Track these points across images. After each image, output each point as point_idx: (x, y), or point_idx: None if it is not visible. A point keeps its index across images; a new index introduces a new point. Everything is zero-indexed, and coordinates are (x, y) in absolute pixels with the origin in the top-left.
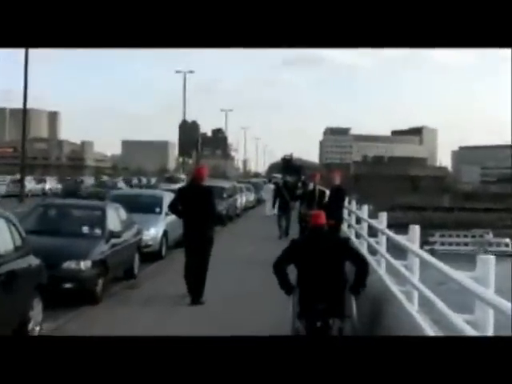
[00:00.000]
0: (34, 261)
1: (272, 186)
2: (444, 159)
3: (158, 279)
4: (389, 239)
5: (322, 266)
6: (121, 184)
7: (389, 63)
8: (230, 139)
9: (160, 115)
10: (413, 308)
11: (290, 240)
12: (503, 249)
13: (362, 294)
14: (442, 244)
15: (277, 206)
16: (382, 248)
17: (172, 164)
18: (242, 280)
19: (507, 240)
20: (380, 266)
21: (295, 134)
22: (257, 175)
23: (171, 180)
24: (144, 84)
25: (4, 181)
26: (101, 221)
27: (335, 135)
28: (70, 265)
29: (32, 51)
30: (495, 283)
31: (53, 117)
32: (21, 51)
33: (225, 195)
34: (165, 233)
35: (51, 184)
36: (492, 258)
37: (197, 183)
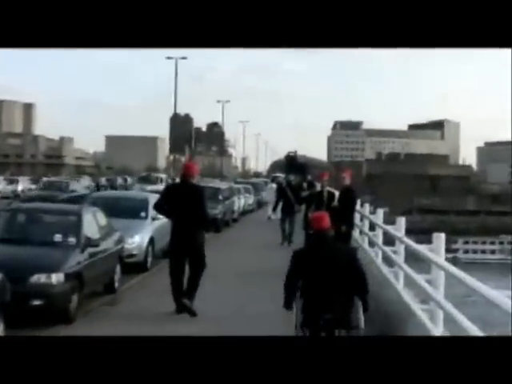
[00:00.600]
0: None
1: (275, 187)
2: (468, 157)
3: (142, 294)
4: (407, 248)
5: (327, 274)
6: (77, 185)
7: (406, 49)
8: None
9: (149, 107)
10: (437, 330)
11: (292, 251)
12: None
13: (377, 310)
14: (466, 252)
15: (280, 208)
16: (400, 258)
17: (162, 162)
18: (238, 297)
19: None
20: (398, 280)
21: (300, 128)
22: (257, 175)
23: (147, 180)
24: (131, 72)
25: None
26: (76, 227)
27: (345, 130)
28: (39, 278)
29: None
30: None
31: (28, 109)
32: None
33: (220, 197)
34: (151, 240)
35: (24, 185)
36: None
37: (186, 181)
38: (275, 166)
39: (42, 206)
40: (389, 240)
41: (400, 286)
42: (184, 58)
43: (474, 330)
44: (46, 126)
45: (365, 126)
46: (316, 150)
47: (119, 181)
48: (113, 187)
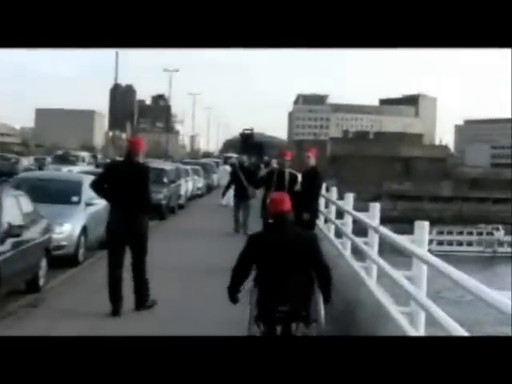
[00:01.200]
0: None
1: (228, 169)
2: (445, 136)
3: (72, 293)
4: (382, 239)
5: (285, 263)
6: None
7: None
8: (175, 109)
9: (85, 77)
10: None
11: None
12: None
13: (346, 313)
14: (440, 243)
15: (232, 193)
16: (374, 251)
17: (99, 139)
18: (187, 299)
19: None
20: (371, 276)
21: (258, 103)
22: (208, 155)
23: (63, 159)
24: None
25: None
26: None
27: (308, 104)
28: None
29: None
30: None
31: None
32: None
33: (165, 180)
34: (84, 230)
35: None
36: None
37: (130, 159)
38: (228, 146)
39: None
40: (358, 230)
41: (373, 282)
42: None
43: (458, 328)
44: None
45: (330, 101)
46: (275, 127)
47: (49, 159)
48: (41, 168)
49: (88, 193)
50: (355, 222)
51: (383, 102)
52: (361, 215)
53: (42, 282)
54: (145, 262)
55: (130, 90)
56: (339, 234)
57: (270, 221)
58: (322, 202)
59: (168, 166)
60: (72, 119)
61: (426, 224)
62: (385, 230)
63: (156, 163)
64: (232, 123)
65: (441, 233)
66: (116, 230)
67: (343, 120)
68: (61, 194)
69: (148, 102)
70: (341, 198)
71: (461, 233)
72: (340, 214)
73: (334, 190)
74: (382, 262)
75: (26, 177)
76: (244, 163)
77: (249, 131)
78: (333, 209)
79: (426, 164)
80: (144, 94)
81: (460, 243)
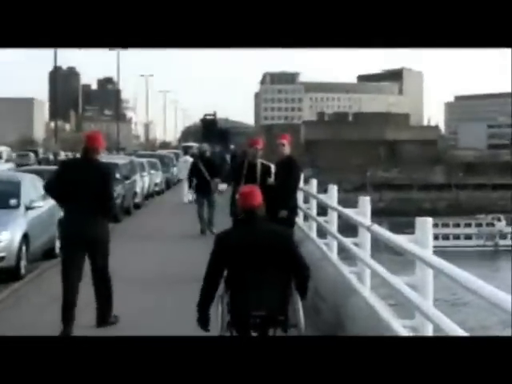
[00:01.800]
0: None
1: (190, 160)
2: (434, 115)
3: (12, 313)
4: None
5: (257, 262)
6: None
7: None
8: (125, 93)
9: (20, 61)
10: None
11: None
12: None
13: (340, 328)
14: (435, 238)
15: (194, 189)
16: (366, 253)
17: (40, 131)
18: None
19: None
20: (364, 283)
21: (220, 84)
22: (165, 145)
23: None
24: None
25: None
26: None
27: (277, 84)
28: None
29: None
30: None
31: None
32: None
33: (118, 176)
34: (25, 238)
35: None
36: None
37: (88, 157)
38: (188, 134)
39: None
40: (344, 227)
41: (367, 291)
42: None
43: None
44: None
45: (302, 79)
46: (240, 111)
47: None
48: None
49: (28, 195)
50: (339, 217)
51: (362, 78)
52: (348, 211)
53: None
54: (107, 272)
55: (72, 74)
56: (322, 233)
57: (240, 217)
58: (300, 196)
59: (120, 159)
60: (7, 108)
61: (429, 221)
62: (379, 229)
63: (106, 157)
64: (191, 108)
65: (435, 225)
66: (74, 236)
67: (317, 101)
68: None
69: (94, 86)
70: (321, 190)
71: (457, 225)
72: (322, 209)
73: (314, 181)
74: (377, 266)
75: None
76: (205, 153)
77: (211, 117)
78: (313, 203)
79: (414, 148)
80: (89, 78)
81: (457, 237)
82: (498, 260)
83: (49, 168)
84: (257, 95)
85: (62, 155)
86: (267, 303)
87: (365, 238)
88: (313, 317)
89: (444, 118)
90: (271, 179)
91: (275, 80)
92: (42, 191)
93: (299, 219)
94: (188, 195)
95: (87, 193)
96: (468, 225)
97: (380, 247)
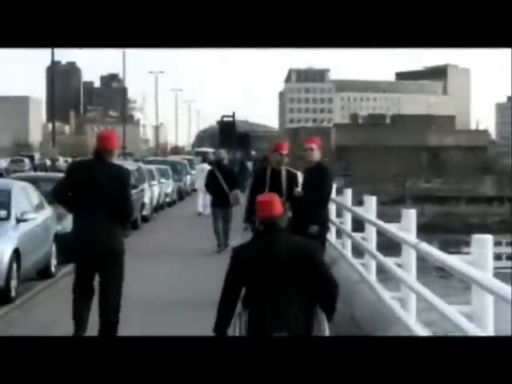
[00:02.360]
0: None
1: (207, 168)
2: (483, 118)
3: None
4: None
5: (279, 279)
6: None
7: None
8: (132, 92)
9: (17, 55)
10: None
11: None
12: None
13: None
14: None
15: (209, 199)
16: (412, 276)
17: (36, 133)
18: None
19: None
20: (408, 309)
21: (240, 83)
22: (177, 150)
23: None
24: None
25: None
26: None
27: (305, 82)
28: None
29: None
30: None
31: None
32: None
33: None
34: (16, 254)
35: None
36: None
37: (102, 159)
38: (203, 138)
39: None
40: (383, 244)
41: (412, 320)
42: None
43: None
44: None
45: (332, 76)
46: (263, 112)
47: None
48: None
49: (20, 205)
50: (378, 233)
51: (401, 76)
52: (390, 227)
53: None
54: (120, 295)
55: (72, 70)
56: (358, 251)
57: (260, 227)
58: (332, 208)
59: (127, 166)
60: (1, 108)
61: (489, 240)
62: (428, 248)
63: None
64: (207, 109)
65: None
66: (85, 247)
67: (350, 101)
68: None
69: (97, 84)
70: (354, 201)
71: (511, 244)
72: (358, 223)
73: (349, 192)
74: (425, 291)
75: None
76: (222, 160)
77: (229, 118)
78: (348, 217)
79: (460, 155)
80: (91, 74)
81: (510, 257)
82: None
83: (45, 175)
84: (281, 95)
85: (61, 161)
86: (289, 323)
87: (409, 257)
88: None
89: (495, 121)
90: (298, 189)
91: (302, 77)
92: (36, 201)
93: (331, 235)
94: (202, 205)
95: (101, 198)
96: None
97: (428, 269)
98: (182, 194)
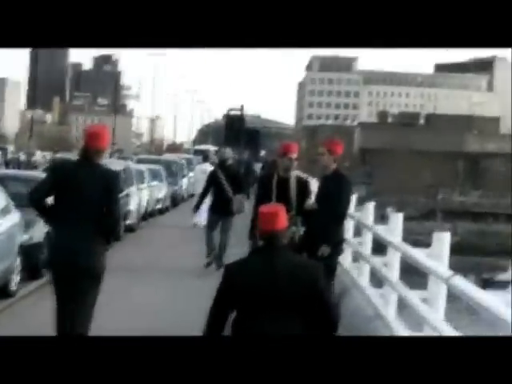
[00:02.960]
0: None
1: (208, 169)
2: None
3: None
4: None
5: (272, 303)
6: None
7: None
8: (127, 77)
9: None
10: None
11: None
12: None
13: None
14: None
15: (207, 205)
16: (438, 314)
17: (12, 122)
18: None
19: None
20: None
21: (252, 69)
22: (175, 148)
23: None
24: None
25: None
26: None
27: (327, 71)
28: None
29: None
30: None
31: None
32: None
33: None
34: None
35: None
36: None
37: (90, 159)
38: (206, 134)
39: None
40: (408, 271)
41: None
42: None
43: None
44: None
45: (360, 67)
46: (278, 106)
47: None
48: None
49: None
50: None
51: (440, 68)
52: (417, 253)
53: None
54: (89, 322)
55: (59, 51)
56: (377, 278)
57: (260, 243)
58: (349, 225)
59: (112, 164)
60: None
61: None
62: (462, 284)
63: None
64: (213, 101)
65: None
66: (65, 262)
67: (379, 96)
68: None
69: (87, 66)
70: (377, 215)
71: None
72: (378, 244)
73: (370, 207)
74: (450, 330)
75: None
76: (227, 160)
77: (237, 112)
78: (368, 238)
79: (503, 164)
80: (81, 55)
81: None
82: None
83: (14, 173)
84: (300, 86)
85: (38, 156)
86: None
87: (438, 292)
88: None
89: None
90: (311, 201)
91: (325, 66)
92: (0, 204)
93: (346, 258)
94: (199, 215)
95: (85, 206)
96: None
97: (461, 306)
98: (176, 200)
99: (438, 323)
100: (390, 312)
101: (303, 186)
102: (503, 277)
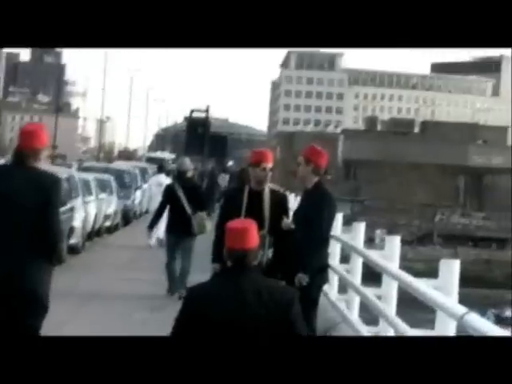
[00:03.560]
0: None
1: (165, 181)
2: None
3: None
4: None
5: (244, 333)
6: None
7: None
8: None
9: None
10: None
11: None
12: None
13: None
14: None
15: (164, 224)
16: None
17: None
18: None
19: None
20: None
21: (219, 65)
22: (128, 155)
23: None
24: None
25: None
26: None
27: (308, 69)
28: None
29: None
30: None
31: None
32: None
33: None
34: None
35: None
36: None
37: (25, 163)
38: (164, 140)
39: None
40: (405, 302)
41: None
42: None
43: None
44: None
45: (346, 65)
46: (248, 109)
47: None
48: None
49: None
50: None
51: (439, 68)
52: (422, 285)
53: None
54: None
55: None
56: (368, 313)
57: (228, 264)
58: (335, 248)
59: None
60: None
61: None
62: (478, 321)
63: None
64: (173, 101)
65: None
66: None
67: (367, 99)
68: None
69: (25, 57)
70: (366, 240)
71: None
72: (368, 269)
73: (361, 227)
74: None
75: None
76: (187, 172)
77: (201, 114)
78: (358, 264)
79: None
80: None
81: None
82: None
83: None
84: (274, 85)
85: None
86: None
87: (447, 328)
88: None
89: None
90: (288, 220)
91: (304, 63)
92: None
93: (331, 289)
94: (155, 235)
95: (20, 219)
96: None
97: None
98: (128, 217)
99: None
100: None
101: (279, 201)
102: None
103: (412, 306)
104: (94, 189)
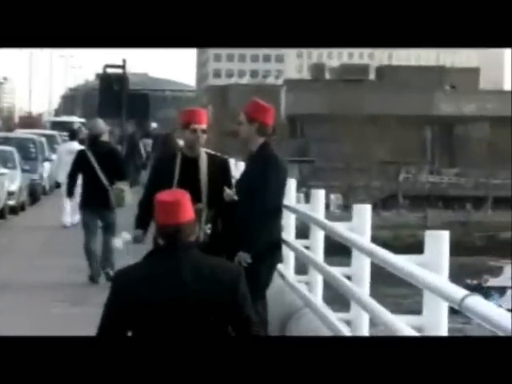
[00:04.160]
0: None
1: (76, 148)
2: None
3: None
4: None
5: (181, 319)
6: None
7: None
8: None
9: None
10: None
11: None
12: None
13: None
14: None
15: (78, 198)
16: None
17: None
18: None
19: None
20: None
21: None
22: (31, 122)
23: None
24: None
25: None
26: None
27: None
28: None
29: None
30: None
31: None
32: None
33: None
34: None
35: None
36: None
37: None
38: (74, 101)
39: None
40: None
41: None
42: None
43: None
44: None
45: None
46: (173, 62)
47: None
48: None
49: None
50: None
51: None
52: (410, 264)
53: None
54: None
55: None
56: (335, 293)
57: (157, 242)
58: (290, 220)
59: None
60: None
61: None
62: (478, 304)
63: None
64: (83, 55)
65: None
66: None
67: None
68: None
69: None
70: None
71: None
72: (330, 243)
73: (321, 194)
74: None
75: None
76: (100, 136)
77: (117, 70)
78: (318, 237)
79: (487, 131)
80: None
81: None
82: None
83: None
84: None
85: None
86: None
87: (438, 312)
88: None
89: None
90: (230, 191)
91: None
92: None
93: (287, 269)
94: (69, 214)
95: None
96: None
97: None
98: (36, 193)
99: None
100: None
101: (219, 169)
102: (496, 282)
103: (377, 279)
104: None
